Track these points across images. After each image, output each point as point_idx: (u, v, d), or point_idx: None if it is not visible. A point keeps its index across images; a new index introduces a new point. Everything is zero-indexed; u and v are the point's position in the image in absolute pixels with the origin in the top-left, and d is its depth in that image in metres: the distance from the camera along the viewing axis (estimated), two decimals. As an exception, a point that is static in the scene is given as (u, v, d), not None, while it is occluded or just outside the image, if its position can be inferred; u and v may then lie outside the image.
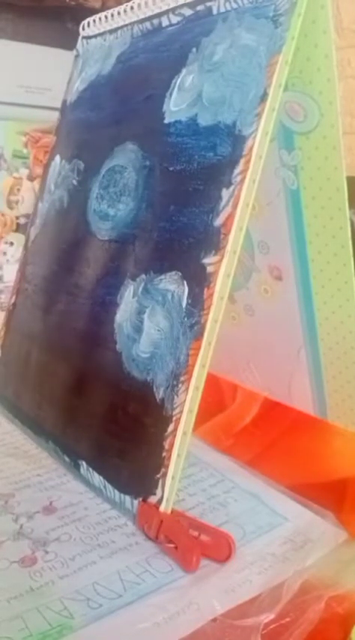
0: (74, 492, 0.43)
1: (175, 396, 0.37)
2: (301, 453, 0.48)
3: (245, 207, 0.36)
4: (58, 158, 0.55)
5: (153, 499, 0.38)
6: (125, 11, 0.49)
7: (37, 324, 0.52)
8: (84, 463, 0.43)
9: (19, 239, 0.90)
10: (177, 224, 0.39)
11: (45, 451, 0.48)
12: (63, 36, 0.94)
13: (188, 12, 0.43)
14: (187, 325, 0.37)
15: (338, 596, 0.33)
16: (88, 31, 0.55)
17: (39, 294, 0.53)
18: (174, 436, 0.37)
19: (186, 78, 0.42)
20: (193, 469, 0.47)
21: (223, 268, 0.36)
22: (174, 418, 0.37)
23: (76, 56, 0.56)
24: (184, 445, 0.37)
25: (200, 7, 0.42)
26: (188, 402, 0.36)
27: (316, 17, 0.36)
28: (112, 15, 0.51)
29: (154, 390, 0.38)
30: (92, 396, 0.45)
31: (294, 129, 0.40)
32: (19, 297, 0.56)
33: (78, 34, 0.56)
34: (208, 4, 0.41)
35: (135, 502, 0.39)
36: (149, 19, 0.47)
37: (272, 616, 0.32)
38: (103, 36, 0.53)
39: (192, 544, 0.36)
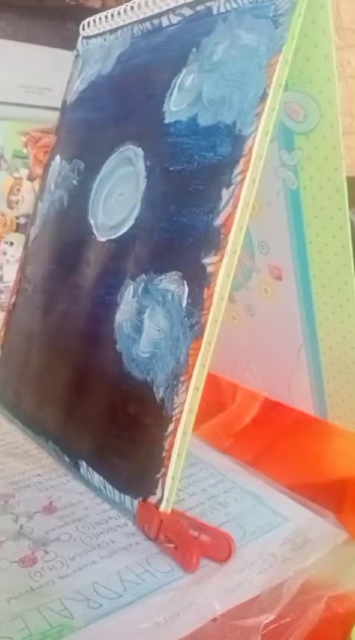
0: (74, 492, 0.43)
1: (175, 396, 0.37)
2: (301, 453, 0.48)
3: (245, 207, 0.36)
4: (58, 158, 0.55)
5: (153, 499, 0.38)
6: (125, 11, 0.49)
7: (37, 324, 0.52)
8: (84, 463, 0.43)
9: (19, 239, 0.90)
10: (177, 224, 0.39)
11: (45, 451, 0.48)
12: (63, 36, 0.95)
13: (188, 12, 0.43)
14: (187, 325, 0.37)
15: (338, 596, 0.33)
16: (88, 31, 0.55)
17: (39, 294, 0.53)
18: (174, 436, 0.37)
19: (186, 78, 0.42)
20: (193, 469, 0.47)
21: (223, 268, 0.36)
22: (174, 418, 0.37)
23: (76, 56, 0.56)
24: (184, 445, 0.37)
25: (200, 7, 0.42)
26: (188, 402, 0.36)
27: (316, 17, 0.36)
28: (112, 15, 0.51)
29: (154, 390, 0.38)
30: (92, 396, 0.45)
31: (294, 129, 0.40)
32: (19, 297, 0.56)
33: (78, 34, 0.56)
34: (208, 4, 0.41)
35: (135, 502, 0.39)
36: (149, 19, 0.47)
37: (272, 616, 0.32)
38: (103, 36, 0.53)
39: (192, 544, 0.36)
